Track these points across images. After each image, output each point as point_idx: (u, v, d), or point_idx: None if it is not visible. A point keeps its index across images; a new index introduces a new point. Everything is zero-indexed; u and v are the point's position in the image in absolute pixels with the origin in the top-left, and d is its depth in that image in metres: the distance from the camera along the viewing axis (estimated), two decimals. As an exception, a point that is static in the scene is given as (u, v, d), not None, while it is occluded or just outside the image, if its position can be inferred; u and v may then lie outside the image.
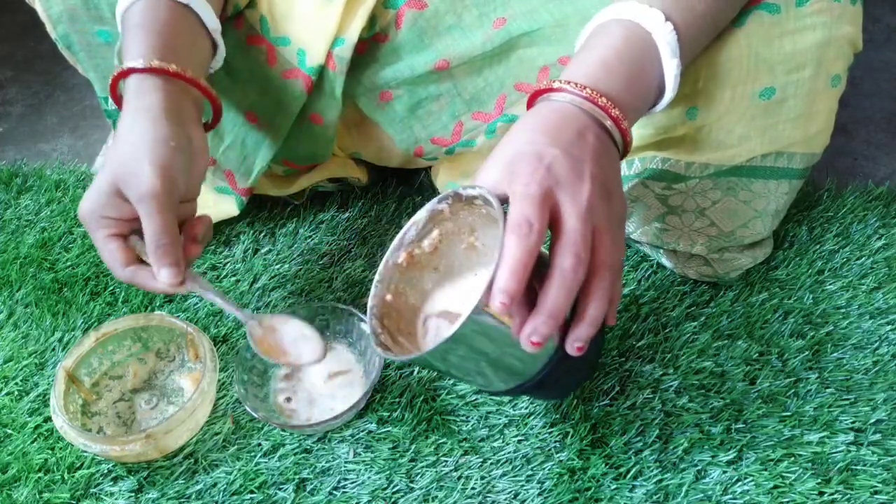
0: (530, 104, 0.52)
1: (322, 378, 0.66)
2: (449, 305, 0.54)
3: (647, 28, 0.51)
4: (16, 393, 0.67)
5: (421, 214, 0.52)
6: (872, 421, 0.62)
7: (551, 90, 0.50)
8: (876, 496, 0.57)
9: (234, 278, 0.76)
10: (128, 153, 0.54)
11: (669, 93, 0.53)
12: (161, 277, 0.55)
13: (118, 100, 0.59)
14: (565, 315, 0.45)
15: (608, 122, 0.48)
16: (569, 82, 0.49)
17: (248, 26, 0.66)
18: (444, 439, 0.62)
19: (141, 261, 0.57)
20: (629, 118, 0.50)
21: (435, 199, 0.51)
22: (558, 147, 0.46)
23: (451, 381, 0.66)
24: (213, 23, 0.60)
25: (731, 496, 0.58)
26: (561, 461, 0.60)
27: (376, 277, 0.53)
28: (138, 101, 0.55)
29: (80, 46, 0.70)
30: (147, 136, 0.54)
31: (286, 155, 0.75)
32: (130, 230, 0.57)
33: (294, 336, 0.61)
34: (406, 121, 0.73)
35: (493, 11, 0.65)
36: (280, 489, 0.59)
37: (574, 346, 0.47)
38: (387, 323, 0.53)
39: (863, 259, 0.75)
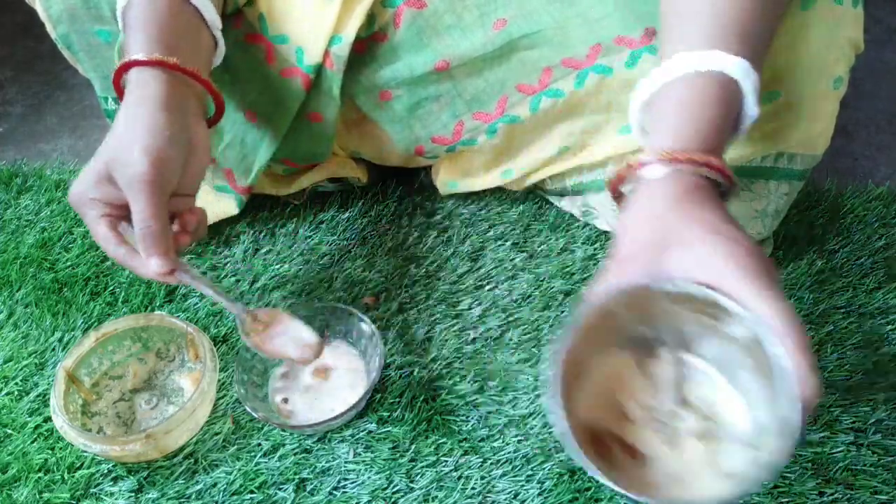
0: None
1: (311, 374, 0.66)
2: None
3: (737, 82, 0.48)
4: (16, 393, 0.67)
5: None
6: (872, 421, 0.62)
7: (676, 160, 0.46)
8: (876, 496, 0.57)
9: (234, 278, 0.76)
10: (121, 139, 0.54)
11: (742, 133, 0.51)
12: (150, 266, 0.54)
13: (122, 94, 0.58)
14: None
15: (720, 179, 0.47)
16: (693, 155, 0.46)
17: (246, 24, 0.66)
18: (444, 439, 0.62)
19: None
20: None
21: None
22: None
23: (451, 381, 0.66)
24: (215, 19, 0.60)
25: (731, 496, 0.58)
26: (561, 461, 0.60)
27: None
28: (138, 91, 0.55)
29: (80, 46, 0.70)
30: (142, 123, 0.54)
31: (285, 154, 0.75)
32: (120, 217, 0.56)
33: (287, 333, 0.61)
34: (406, 120, 0.73)
35: (493, 12, 0.65)
36: (280, 489, 0.59)
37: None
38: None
39: (863, 259, 0.75)
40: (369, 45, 0.68)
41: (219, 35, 0.61)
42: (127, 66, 0.55)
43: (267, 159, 0.73)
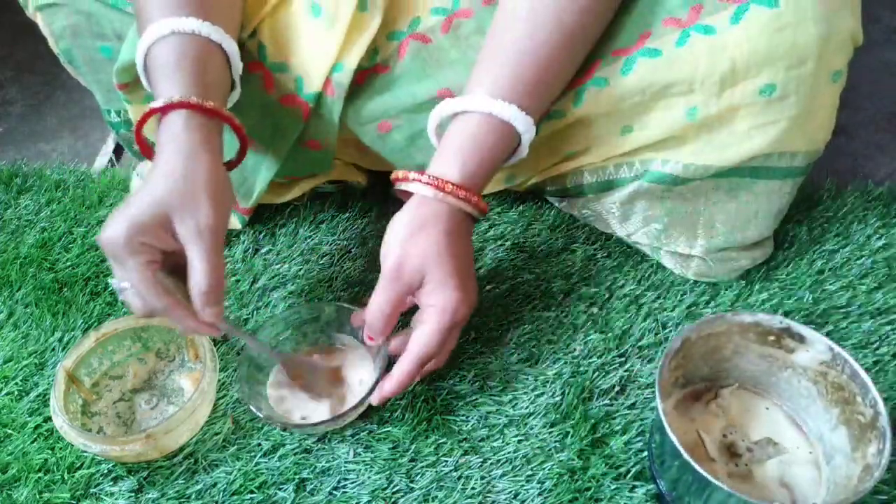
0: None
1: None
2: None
3: (520, 135, 0.59)
4: (16, 393, 0.67)
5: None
6: (872, 421, 0.62)
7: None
8: (876, 496, 0.57)
9: (234, 278, 0.76)
10: (183, 187, 0.54)
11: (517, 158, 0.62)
12: (206, 316, 0.55)
13: (141, 139, 0.59)
14: None
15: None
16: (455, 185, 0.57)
17: (247, 54, 0.65)
18: (444, 439, 0.62)
19: None
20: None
21: None
22: None
23: (451, 381, 0.66)
24: (238, 66, 0.61)
25: (731, 496, 0.58)
26: (561, 461, 0.60)
27: None
28: (190, 135, 0.55)
29: (83, 61, 0.70)
30: (203, 172, 0.55)
31: (286, 172, 0.76)
32: (160, 265, 0.55)
33: (320, 380, 0.65)
34: (406, 150, 0.72)
35: None
36: (280, 489, 0.59)
37: None
38: None
39: (863, 259, 0.75)
40: (370, 75, 0.67)
41: (237, 80, 0.62)
42: (168, 108, 0.55)
43: (267, 182, 0.73)
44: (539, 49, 0.58)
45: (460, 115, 0.59)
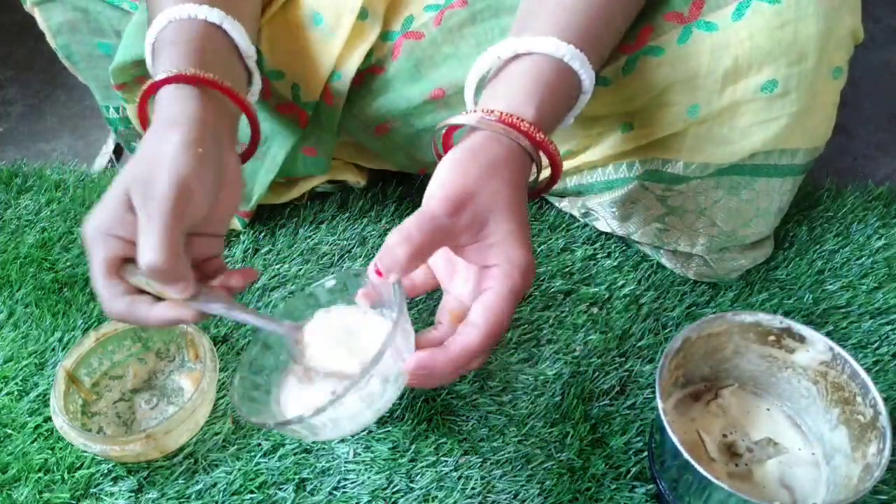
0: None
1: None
2: None
3: (581, 80, 0.51)
4: (16, 393, 0.67)
5: None
6: (872, 421, 0.62)
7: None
8: (876, 496, 0.57)
9: (234, 278, 0.76)
10: (147, 160, 0.47)
11: (574, 113, 0.54)
12: (171, 294, 0.47)
13: (146, 121, 0.54)
14: None
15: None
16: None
17: None
18: (444, 439, 0.62)
19: (140, 291, 0.49)
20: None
21: None
22: None
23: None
24: (248, 48, 0.56)
25: (731, 496, 0.58)
26: (561, 461, 0.60)
27: None
28: (170, 108, 0.49)
29: (81, 56, 0.70)
30: (172, 143, 0.47)
31: (283, 174, 0.76)
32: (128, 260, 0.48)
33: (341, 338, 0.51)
34: (404, 149, 0.72)
35: (489, 41, 0.63)
36: (280, 489, 0.59)
37: None
38: None
39: (863, 259, 0.75)
40: (366, 77, 0.67)
41: (253, 66, 0.57)
42: (156, 86, 0.50)
43: (265, 187, 0.74)
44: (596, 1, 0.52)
45: (523, 56, 0.50)
